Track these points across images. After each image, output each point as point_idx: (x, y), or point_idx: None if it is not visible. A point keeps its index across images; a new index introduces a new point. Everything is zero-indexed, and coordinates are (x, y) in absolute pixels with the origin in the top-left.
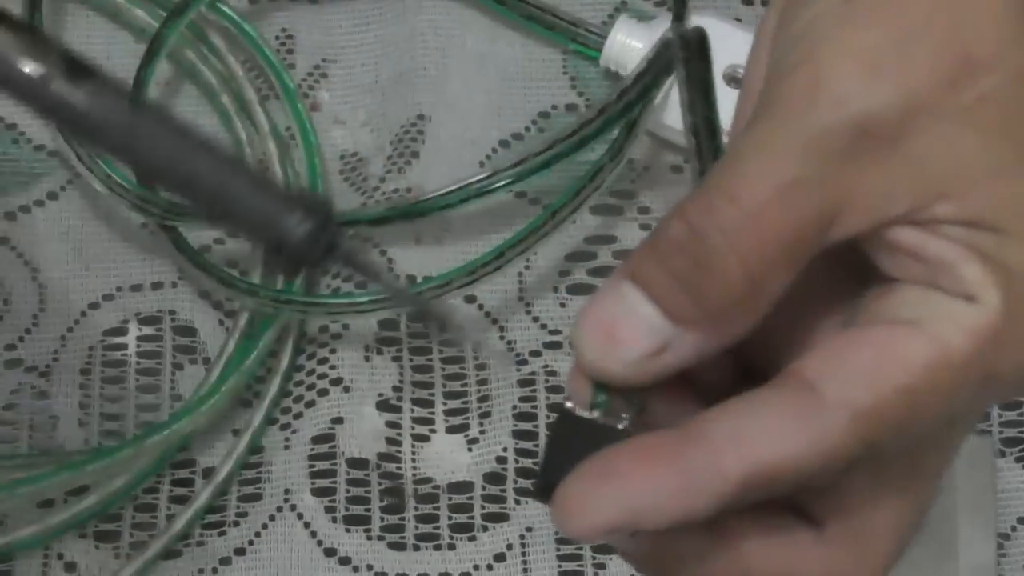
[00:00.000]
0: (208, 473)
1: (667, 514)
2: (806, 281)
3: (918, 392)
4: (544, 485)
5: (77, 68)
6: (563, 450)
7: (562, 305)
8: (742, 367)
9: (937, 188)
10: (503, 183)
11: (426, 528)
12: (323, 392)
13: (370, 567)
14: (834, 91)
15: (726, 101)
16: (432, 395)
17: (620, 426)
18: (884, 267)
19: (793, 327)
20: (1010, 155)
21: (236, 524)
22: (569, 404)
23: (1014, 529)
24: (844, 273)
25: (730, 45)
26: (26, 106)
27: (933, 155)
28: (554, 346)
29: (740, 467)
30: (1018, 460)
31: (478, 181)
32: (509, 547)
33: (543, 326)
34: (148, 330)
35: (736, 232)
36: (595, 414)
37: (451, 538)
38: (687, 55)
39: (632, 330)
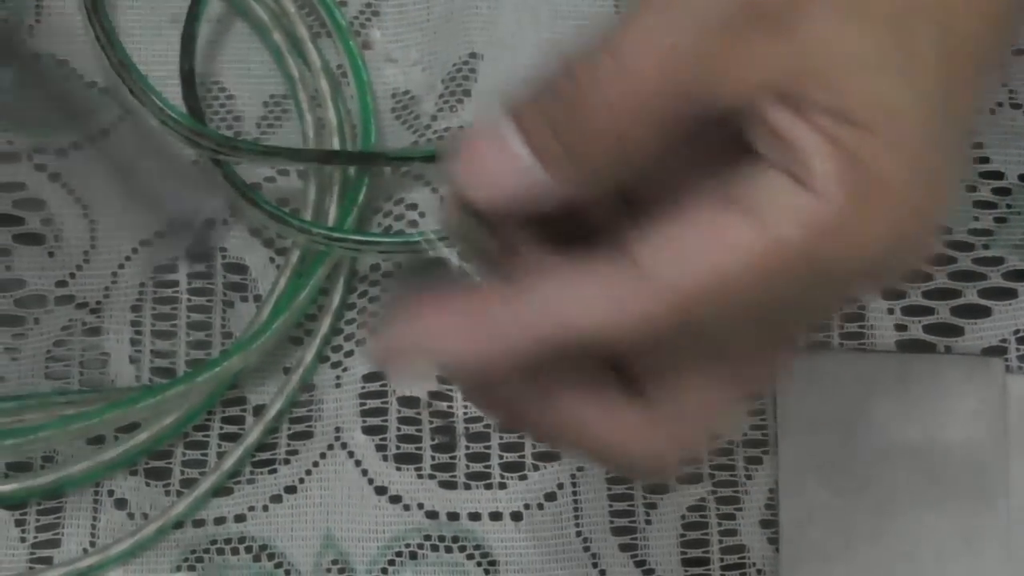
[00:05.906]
0: (259, 411)
1: (462, 357)
2: (691, 145)
3: (736, 276)
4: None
5: None
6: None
7: None
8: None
9: (817, 74)
10: None
11: (477, 467)
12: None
13: (421, 505)
14: None
15: None
16: None
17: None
18: (756, 143)
19: (671, 188)
20: (894, 54)
21: (287, 462)
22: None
23: None
24: (730, 143)
25: None
26: None
27: (819, 41)
28: None
29: (540, 324)
30: None
31: None
32: (560, 486)
33: None
34: (199, 267)
35: (609, 84)
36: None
37: (502, 477)
38: None
39: (502, 168)
